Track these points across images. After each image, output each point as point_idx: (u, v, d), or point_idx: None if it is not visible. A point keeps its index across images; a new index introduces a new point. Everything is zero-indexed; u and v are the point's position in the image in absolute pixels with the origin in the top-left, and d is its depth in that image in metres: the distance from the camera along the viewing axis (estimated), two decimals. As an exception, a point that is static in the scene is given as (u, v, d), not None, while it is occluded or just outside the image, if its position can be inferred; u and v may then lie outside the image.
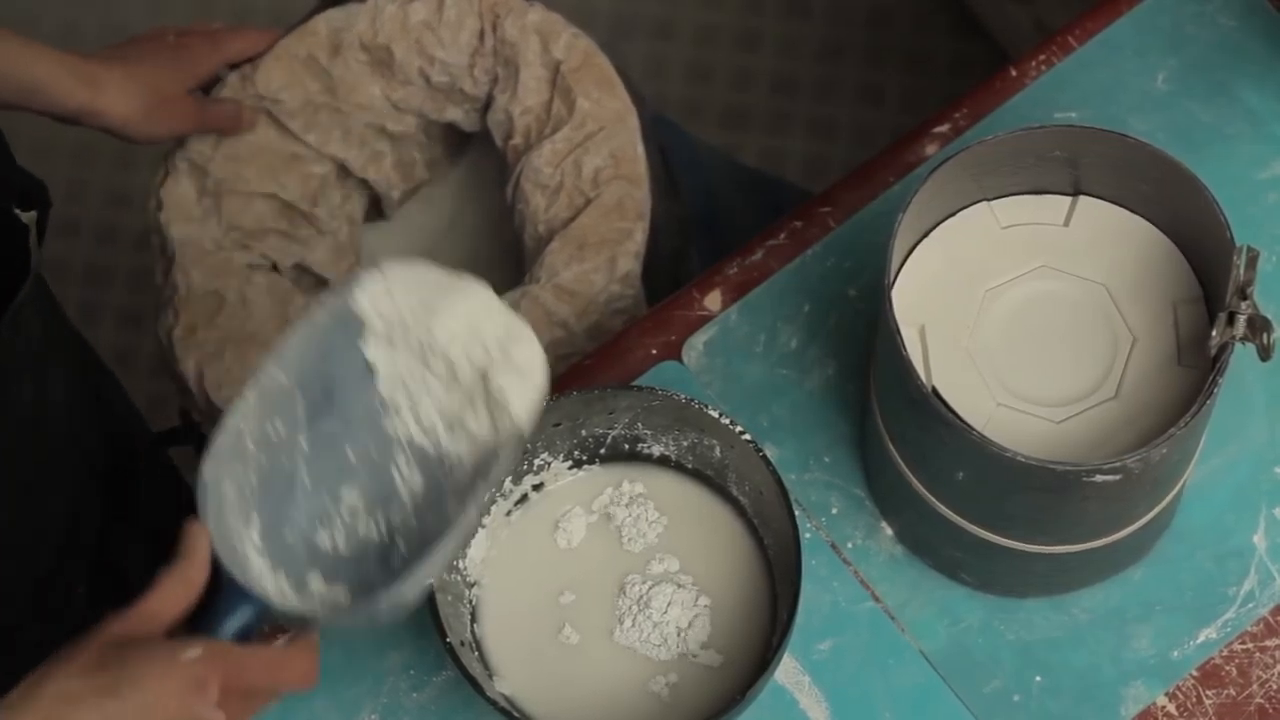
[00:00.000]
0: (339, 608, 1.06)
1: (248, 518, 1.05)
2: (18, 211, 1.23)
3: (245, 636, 1.02)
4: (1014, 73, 1.37)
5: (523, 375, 1.08)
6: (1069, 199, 1.18)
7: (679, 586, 1.21)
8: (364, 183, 1.55)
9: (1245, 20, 1.37)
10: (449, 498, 1.08)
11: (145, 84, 1.37)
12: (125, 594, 1.44)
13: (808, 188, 1.88)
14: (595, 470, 1.24)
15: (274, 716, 1.10)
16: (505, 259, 1.57)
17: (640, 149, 1.46)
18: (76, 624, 1.40)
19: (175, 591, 1.01)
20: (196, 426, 1.48)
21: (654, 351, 1.32)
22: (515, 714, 1.15)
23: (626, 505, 1.23)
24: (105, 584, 1.42)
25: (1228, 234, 1.10)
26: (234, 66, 1.49)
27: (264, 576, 1.04)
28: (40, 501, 1.32)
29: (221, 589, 1.03)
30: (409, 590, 1.03)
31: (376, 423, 1.09)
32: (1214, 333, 1.08)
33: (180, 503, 1.60)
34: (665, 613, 1.20)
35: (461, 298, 1.08)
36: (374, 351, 1.09)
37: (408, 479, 1.09)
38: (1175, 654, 1.24)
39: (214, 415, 1.46)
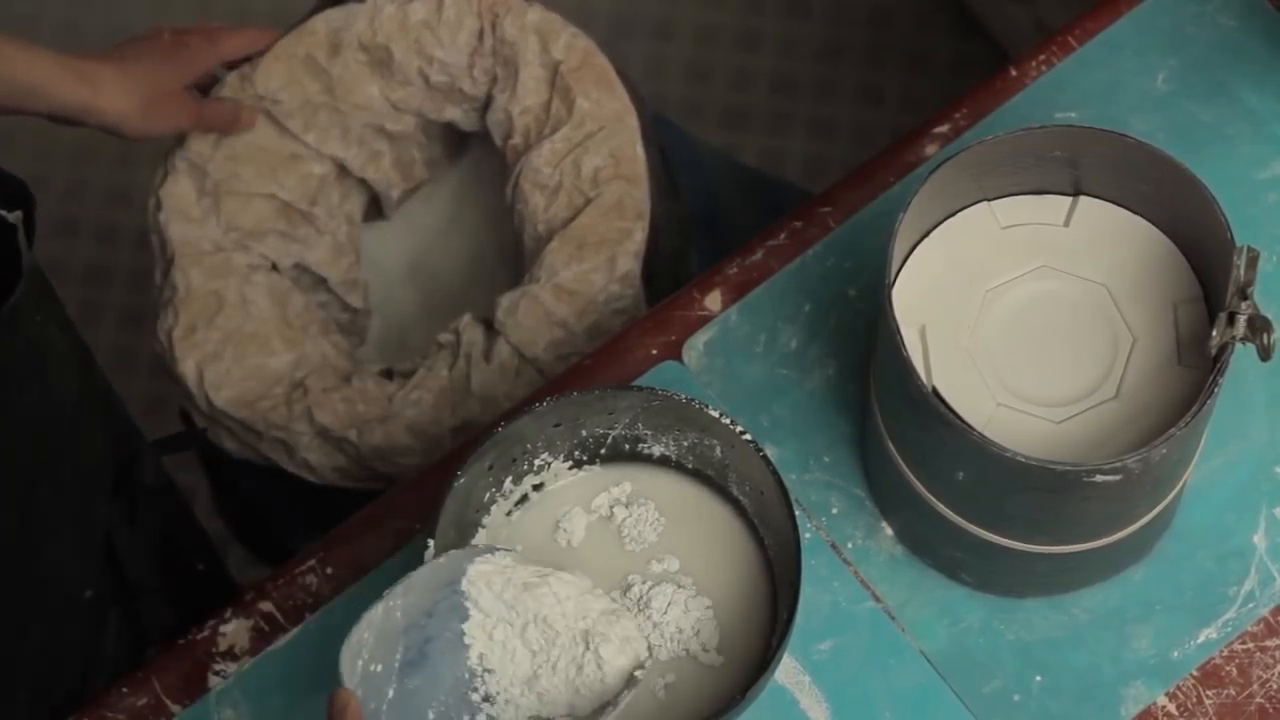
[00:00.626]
0: None
1: None
2: (3, 212, 1.23)
3: None
4: (1014, 73, 1.37)
5: (624, 644, 1.16)
6: (1069, 199, 1.18)
7: (679, 587, 1.20)
8: (363, 182, 1.54)
9: (1245, 20, 1.37)
10: None
11: (141, 80, 1.37)
12: (131, 599, 1.44)
13: (808, 188, 1.88)
14: (595, 470, 1.24)
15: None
16: (505, 259, 1.57)
17: (639, 149, 1.46)
18: (83, 627, 1.40)
19: None
20: (199, 431, 1.48)
21: (654, 351, 1.32)
22: None
23: (627, 505, 1.23)
24: (113, 587, 1.42)
25: (1228, 234, 1.10)
26: (232, 66, 1.49)
27: None
28: (45, 503, 1.32)
29: None
30: None
31: (462, 691, 1.14)
32: (1214, 333, 1.08)
33: (180, 510, 1.60)
34: (665, 613, 1.19)
35: (571, 578, 1.17)
36: (473, 626, 1.15)
37: None
38: (1175, 654, 1.24)
39: (214, 416, 1.46)
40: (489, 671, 1.15)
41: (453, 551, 1.15)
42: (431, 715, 1.13)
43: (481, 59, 1.49)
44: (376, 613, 1.10)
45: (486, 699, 1.14)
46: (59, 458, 1.33)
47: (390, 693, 1.11)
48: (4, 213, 1.23)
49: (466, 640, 1.15)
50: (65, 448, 1.34)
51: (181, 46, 1.43)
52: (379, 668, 1.11)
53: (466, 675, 1.14)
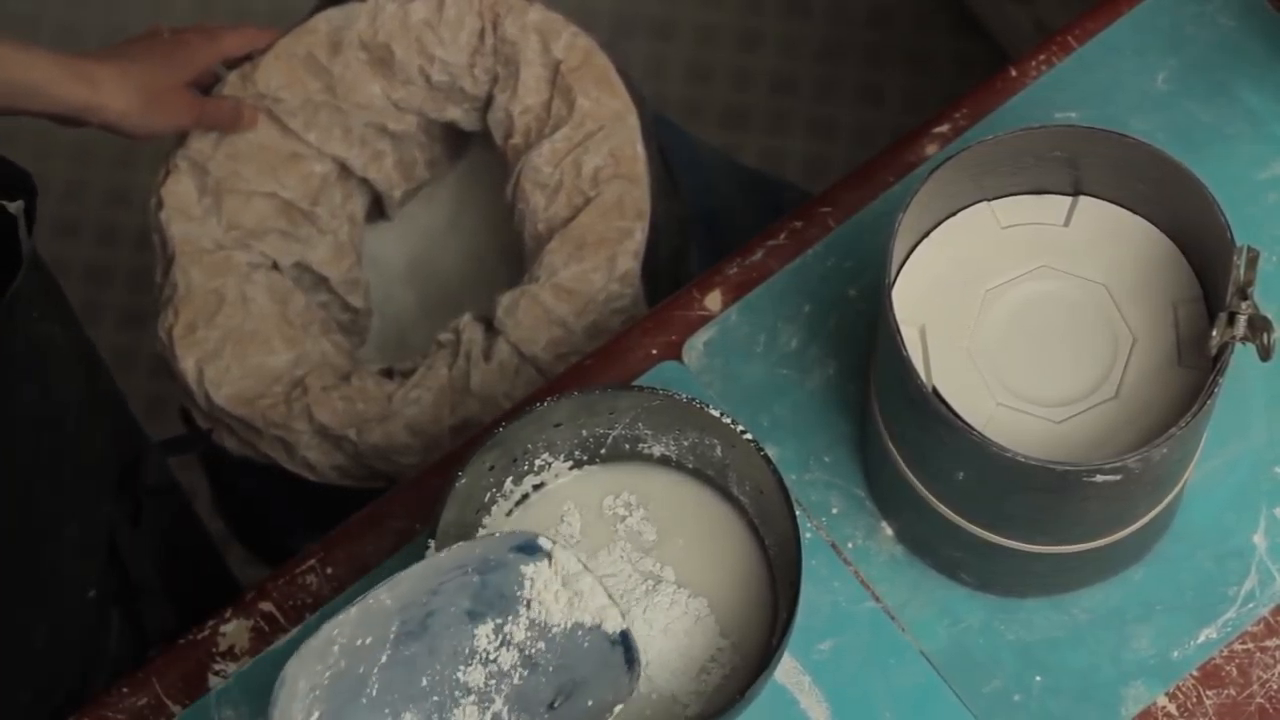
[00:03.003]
0: None
1: (309, 712, 1.09)
2: (3, 203, 1.23)
3: None
4: (1014, 73, 1.37)
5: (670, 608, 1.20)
6: (1069, 199, 1.18)
7: (679, 586, 1.20)
8: (365, 183, 1.55)
9: (1245, 20, 1.37)
10: None
11: (141, 79, 1.38)
12: (134, 598, 1.45)
13: (808, 188, 1.88)
14: (596, 470, 1.24)
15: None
16: (505, 258, 1.57)
17: (639, 148, 1.46)
18: (86, 626, 1.40)
19: None
20: (205, 433, 1.48)
21: (654, 351, 1.32)
22: None
23: (626, 505, 1.23)
24: (115, 588, 1.42)
25: (1228, 234, 1.10)
26: (233, 65, 1.49)
27: None
28: (47, 503, 1.32)
29: None
30: None
31: (457, 663, 1.14)
32: (1214, 333, 1.08)
33: (183, 511, 1.60)
34: (665, 613, 1.19)
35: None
36: (536, 570, 1.15)
37: None
38: (1175, 654, 1.24)
39: (214, 414, 1.46)
40: (497, 652, 1.15)
41: (458, 544, 1.15)
42: (424, 681, 1.13)
43: (482, 58, 1.49)
44: (349, 614, 1.11)
45: (479, 684, 1.15)
46: (60, 457, 1.33)
47: (384, 658, 1.12)
48: (4, 203, 1.23)
49: (523, 592, 1.15)
50: (67, 447, 1.34)
51: (181, 45, 1.43)
52: (368, 640, 1.11)
53: (468, 650, 1.14)
